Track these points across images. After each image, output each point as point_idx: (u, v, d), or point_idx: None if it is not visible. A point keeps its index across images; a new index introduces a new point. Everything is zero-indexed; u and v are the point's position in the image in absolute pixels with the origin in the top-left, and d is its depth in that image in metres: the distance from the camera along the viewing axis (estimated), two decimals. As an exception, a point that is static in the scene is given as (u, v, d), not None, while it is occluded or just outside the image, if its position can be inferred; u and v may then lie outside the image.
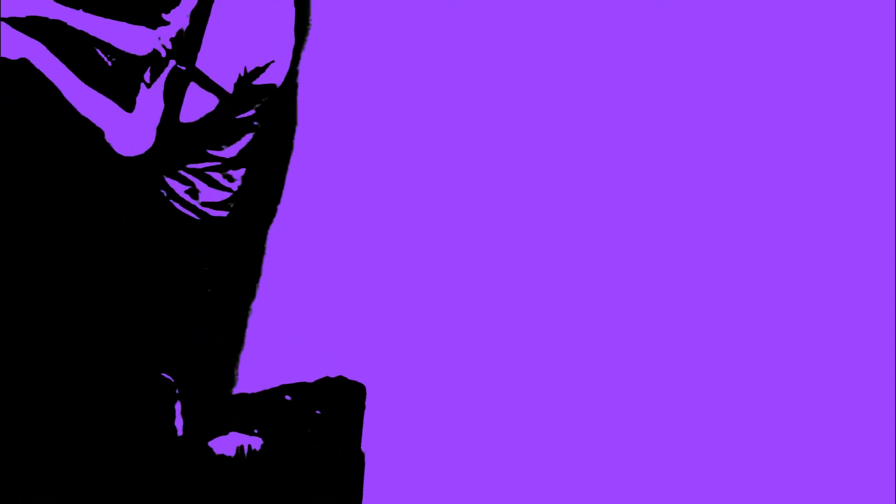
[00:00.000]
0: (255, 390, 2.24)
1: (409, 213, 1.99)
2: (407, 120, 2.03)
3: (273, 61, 2.37)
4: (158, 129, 2.31)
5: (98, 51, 2.78)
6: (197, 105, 2.31)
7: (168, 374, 2.55)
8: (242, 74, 2.31)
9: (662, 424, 1.60)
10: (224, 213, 2.60)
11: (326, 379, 2.00)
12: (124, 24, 2.70)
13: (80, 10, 2.67)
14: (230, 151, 2.50)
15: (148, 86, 2.56)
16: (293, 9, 2.44)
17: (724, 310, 1.58)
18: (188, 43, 2.17)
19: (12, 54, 2.34)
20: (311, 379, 2.06)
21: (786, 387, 1.47)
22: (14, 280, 2.38)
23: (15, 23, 2.52)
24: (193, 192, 2.52)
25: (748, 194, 1.55)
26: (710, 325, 1.60)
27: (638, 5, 1.53)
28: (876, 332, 1.33)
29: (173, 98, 2.21)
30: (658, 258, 1.67)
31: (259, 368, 2.51)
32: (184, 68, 2.12)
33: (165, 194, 2.52)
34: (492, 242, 1.78)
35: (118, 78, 2.74)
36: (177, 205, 2.53)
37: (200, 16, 2.16)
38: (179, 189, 2.51)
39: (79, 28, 2.65)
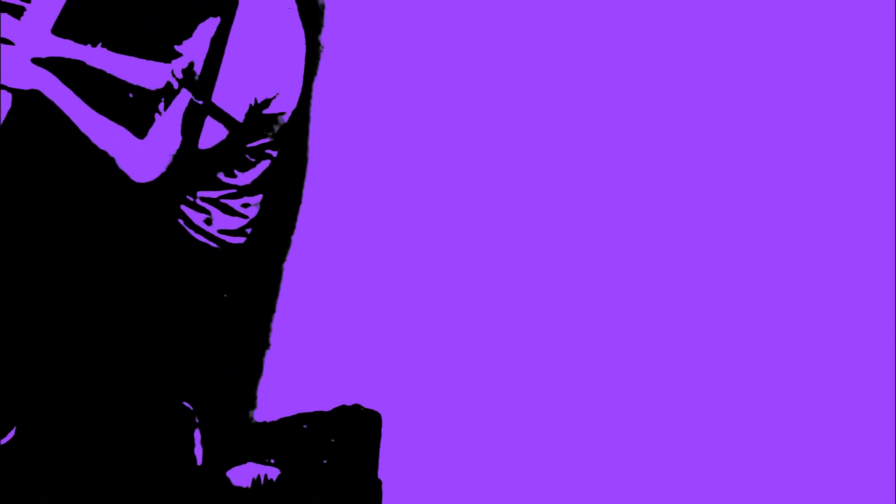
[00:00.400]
0: (273, 419, 2.24)
1: (428, 240, 1.99)
2: (423, 144, 2.03)
3: (279, 93, 2.38)
4: (174, 157, 2.32)
5: (117, 86, 2.82)
6: (208, 132, 2.33)
7: (187, 403, 2.56)
8: (253, 104, 2.33)
9: (672, 429, 1.59)
10: (240, 240, 2.61)
11: (343, 407, 2.00)
12: (141, 59, 2.74)
13: (100, 47, 2.71)
14: (245, 179, 2.52)
15: (160, 114, 2.58)
16: (304, 38, 2.46)
17: (724, 310, 1.56)
18: (204, 77, 2.19)
19: (25, 87, 2.37)
20: (327, 408, 2.06)
21: (786, 387, 1.45)
22: (21, 284, 2.41)
23: (40, 62, 2.56)
24: (209, 220, 2.54)
25: (748, 194, 1.53)
26: (710, 324, 1.58)
27: (653, 5, 1.52)
28: (876, 332, 1.31)
29: (190, 130, 2.23)
30: (661, 259, 1.66)
31: (276, 397, 2.51)
32: (200, 102, 2.14)
33: (182, 223, 2.53)
34: (509, 271, 1.77)
35: (133, 108, 2.77)
36: (193, 233, 2.55)
37: (216, 50, 2.18)
38: (196, 217, 2.53)
39: (98, 66, 2.70)
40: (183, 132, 2.28)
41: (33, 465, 2.30)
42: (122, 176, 2.35)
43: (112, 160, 2.35)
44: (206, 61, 2.26)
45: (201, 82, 2.20)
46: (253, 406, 2.60)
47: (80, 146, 2.41)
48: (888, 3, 1.26)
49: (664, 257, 1.64)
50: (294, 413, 2.10)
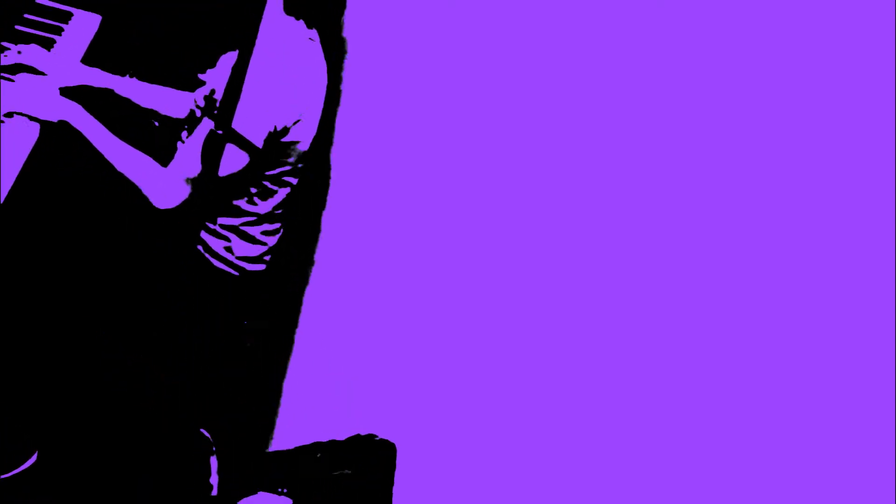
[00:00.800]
0: (288, 447, 2.22)
1: (448, 271, 1.97)
2: (445, 176, 2.02)
3: (300, 119, 2.39)
4: (194, 184, 2.34)
5: (143, 115, 2.86)
6: (230, 159, 2.34)
7: (205, 431, 2.55)
8: (273, 131, 2.33)
9: (674, 430, 1.56)
10: (260, 268, 2.61)
11: (357, 437, 1.98)
12: (167, 88, 2.78)
13: (127, 76, 2.75)
14: (265, 207, 2.52)
15: (183, 142, 2.60)
16: (325, 67, 2.47)
17: (724, 309, 1.54)
18: (223, 105, 2.21)
19: (54, 118, 2.41)
20: (342, 437, 2.04)
21: (786, 387, 1.42)
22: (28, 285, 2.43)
23: (68, 92, 2.60)
24: (229, 248, 2.54)
25: (748, 194, 1.51)
26: (710, 324, 1.55)
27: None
28: (876, 332, 1.28)
29: (210, 158, 2.25)
30: (666, 259, 1.64)
31: (291, 425, 2.50)
32: (221, 132, 2.16)
33: (202, 250, 2.54)
34: (531, 308, 1.75)
35: (158, 136, 2.80)
36: (213, 260, 2.55)
37: (237, 79, 2.20)
38: (216, 245, 2.54)
39: (125, 95, 2.74)
40: (203, 160, 2.29)
41: (34, 465, 2.30)
42: (146, 203, 2.37)
43: (136, 188, 2.37)
44: (226, 90, 2.28)
45: (221, 111, 2.22)
46: (270, 434, 2.59)
47: (105, 174, 2.44)
48: (888, 3, 1.25)
49: (669, 258, 1.62)
50: (309, 441, 2.09)
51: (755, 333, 1.46)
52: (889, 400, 1.22)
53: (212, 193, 2.42)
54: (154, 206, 2.37)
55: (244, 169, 2.35)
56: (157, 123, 2.96)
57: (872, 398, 1.25)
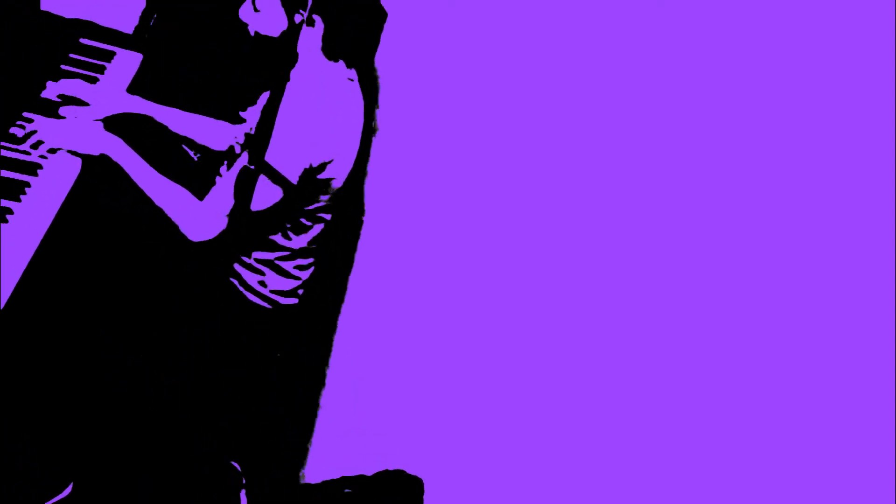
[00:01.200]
0: (315, 481, 2.22)
1: (479, 309, 1.97)
2: (480, 213, 2.03)
3: (332, 160, 2.41)
4: (229, 217, 2.37)
5: (183, 146, 2.91)
6: (266, 194, 2.37)
7: (235, 462, 2.56)
8: (309, 168, 2.36)
9: (676, 431, 1.53)
10: (293, 301, 2.63)
11: (385, 472, 1.98)
12: (208, 119, 2.83)
13: (168, 106, 2.81)
14: (299, 241, 2.55)
15: (221, 176, 2.65)
16: (362, 106, 2.50)
17: (724, 309, 1.52)
18: (257, 139, 2.25)
19: (95, 151, 2.45)
20: (370, 472, 2.04)
21: (786, 387, 1.40)
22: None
23: (109, 125, 2.66)
24: (263, 282, 2.57)
25: (748, 194, 1.50)
26: (710, 324, 1.54)
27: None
28: (876, 332, 1.26)
29: (243, 192, 2.28)
30: (672, 260, 1.62)
31: (320, 458, 2.50)
32: (252, 167, 2.19)
33: (236, 283, 2.57)
34: (564, 347, 1.74)
35: (196, 169, 2.85)
36: (247, 293, 2.58)
37: (269, 115, 2.24)
38: (250, 278, 2.56)
39: (166, 124, 2.79)
40: (236, 194, 2.33)
41: (34, 463, 2.32)
42: (180, 236, 2.41)
43: (173, 224, 2.41)
44: (257, 126, 2.32)
45: (253, 147, 2.26)
46: (302, 466, 2.59)
47: (143, 207, 2.48)
48: (888, 3, 1.24)
49: (669, 258, 1.61)
50: (337, 476, 2.09)
51: (755, 333, 1.45)
52: (889, 400, 1.20)
53: (246, 227, 2.45)
54: (189, 239, 2.40)
55: (279, 204, 2.38)
56: (196, 156, 3.02)
57: (872, 398, 1.23)
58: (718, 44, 1.54)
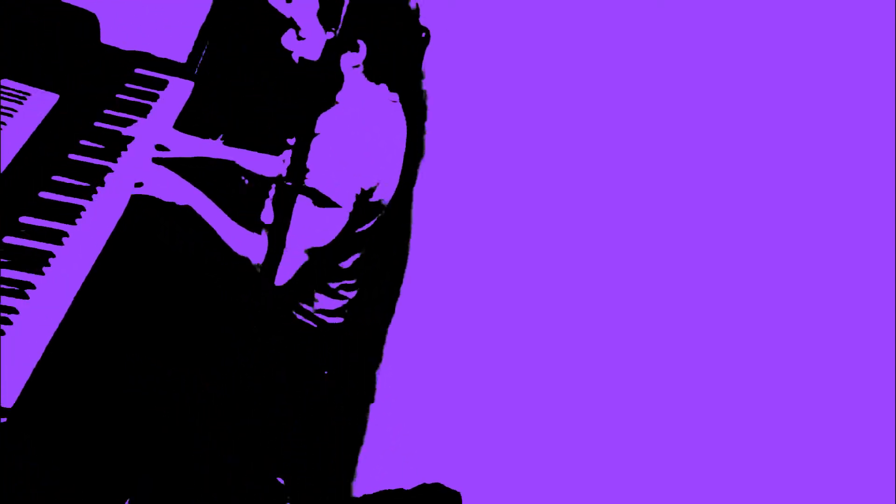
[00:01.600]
0: (355, 495, 2.25)
1: (524, 328, 1.98)
2: (527, 234, 2.03)
3: (378, 184, 2.44)
4: (269, 235, 2.40)
5: (240, 175, 3.00)
6: (314, 219, 2.40)
7: (280, 478, 2.61)
8: (359, 193, 2.39)
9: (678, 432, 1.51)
10: (339, 321, 2.68)
11: (423, 486, 2.00)
12: (254, 152, 2.92)
13: (219, 141, 2.90)
14: (345, 262, 2.59)
15: (269, 199, 2.72)
16: (405, 128, 2.54)
17: (724, 309, 1.51)
18: (295, 162, 2.31)
19: (159, 191, 2.50)
20: (408, 486, 2.06)
21: (786, 387, 1.38)
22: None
23: (166, 162, 2.75)
24: (310, 302, 2.62)
25: (748, 194, 1.49)
26: (710, 324, 1.52)
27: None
28: (876, 332, 1.24)
29: (282, 213, 2.33)
30: (665, 259, 1.61)
31: (361, 473, 2.53)
32: (290, 183, 2.25)
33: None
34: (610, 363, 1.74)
35: (249, 201, 2.93)
36: (295, 313, 2.63)
37: (305, 139, 2.30)
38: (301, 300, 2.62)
39: (216, 157, 2.88)
40: (278, 215, 2.38)
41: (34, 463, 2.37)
42: (233, 257, 2.45)
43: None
44: (296, 145, 2.37)
45: (291, 171, 2.32)
46: (350, 481, 2.62)
47: (196, 235, 2.55)
48: (888, 3, 1.24)
49: (669, 258, 1.61)
50: (376, 490, 2.11)
51: (756, 334, 1.44)
52: (889, 400, 1.18)
53: (316, 259, 2.46)
54: (240, 260, 2.45)
55: (341, 233, 2.41)
56: (246, 181, 3.10)
57: (872, 398, 1.22)
58: (719, 44, 1.54)
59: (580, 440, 1.74)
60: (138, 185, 2.47)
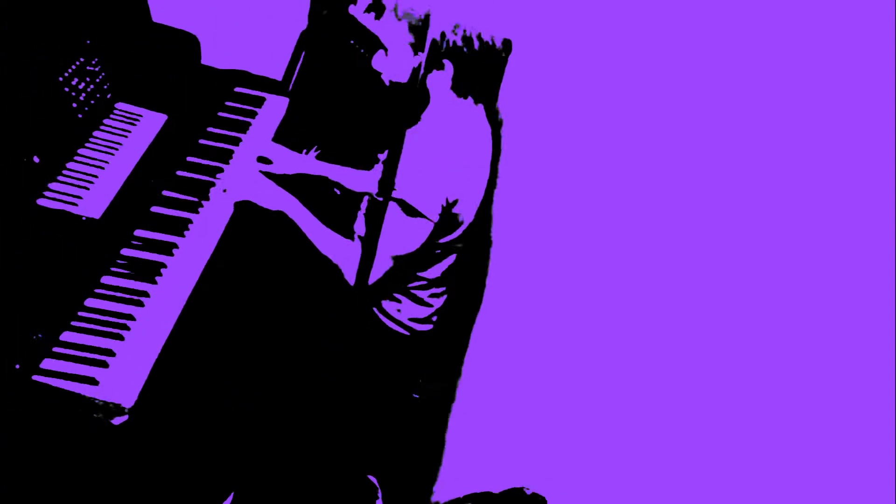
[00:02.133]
0: (443, 499, 2.31)
1: (604, 333, 1.99)
2: (605, 247, 2.04)
3: (458, 200, 2.52)
4: (362, 247, 2.50)
5: (332, 188, 3.12)
6: (404, 230, 2.49)
7: (373, 477, 2.71)
8: (445, 204, 2.48)
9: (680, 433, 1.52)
10: (427, 328, 2.77)
11: (512, 490, 2.06)
12: (346, 168, 3.03)
13: (314, 157, 3.02)
14: (434, 272, 2.68)
15: (361, 210, 2.82)
16: (490, 139, 2.61)
17: (724, 310, 1.52)
18: (385, 175, 2.40)
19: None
20: (496, 489, 2.12)
21: (786, 387, 1.39)
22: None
23: (270, 175, 2.89)
24: (400, 309, 2.72)
25: (748, 194, 1.50)
26: (710, 324, 1.53)
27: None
28: (876, 332, 1.25)
29: (373, 224, 2.42)
30: (665, 258, 1.62)
31: (447, 476, 2.59)
32: (381, 199, 2.34)
33: (376, 311, 2.73)
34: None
35: (342, 213, 3.04)
36: (386, 320, 2.73)
37: (394, 155, 2.39)
38: (389, 307, 2.72)
39: (313, 173, 3.00)
40: (367, 224, 2.47)
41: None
42: (333, 269, 2.56)
43: (339, 271, 2.55)
44: (386, 160, 2.46)
45: (382, 183, 2.41)
46: (432, 485, 2.69)
47: (293, 242, 2.67)
48: (888, 3, 1.24)
49: (669, 257, 1.61)
50: (463, 493, 2.18)
51: (756, 333, 1.44)
52: (889, 400, 1.19)
53: (400, 264, 2.56)
54: (337, 270, 2.56)
55: (425, 242, 2.50)
56: (337, 192, 3.21)
57: (872, 398, 1.22)
58: (718, 44, 1.55)
59: (676, 446, 1.73)
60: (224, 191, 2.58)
